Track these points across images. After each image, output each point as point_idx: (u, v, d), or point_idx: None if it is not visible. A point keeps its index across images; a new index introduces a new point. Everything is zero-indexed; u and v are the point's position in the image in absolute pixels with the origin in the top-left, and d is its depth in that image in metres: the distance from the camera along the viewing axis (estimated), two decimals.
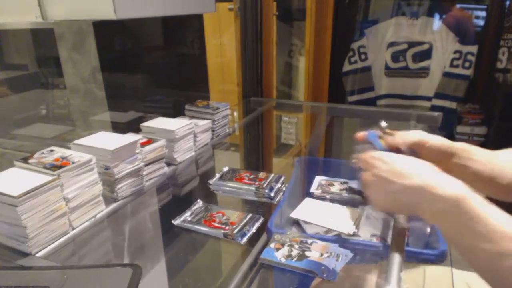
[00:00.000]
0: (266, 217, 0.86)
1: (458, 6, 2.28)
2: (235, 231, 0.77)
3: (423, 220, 0.61)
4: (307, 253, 0.69)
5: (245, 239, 0.76)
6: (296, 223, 0.98)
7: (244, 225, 0.79)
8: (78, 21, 1.08)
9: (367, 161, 0.67)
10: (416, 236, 0.88)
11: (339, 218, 0.83)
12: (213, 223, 0.80)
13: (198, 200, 0.90)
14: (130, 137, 0.89)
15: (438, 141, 0.72)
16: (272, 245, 0.72)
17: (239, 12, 1.66)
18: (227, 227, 0.78)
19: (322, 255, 0.68)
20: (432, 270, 0.75)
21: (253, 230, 0.79)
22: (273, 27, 1.77)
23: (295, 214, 0.87)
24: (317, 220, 0.84)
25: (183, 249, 0.84)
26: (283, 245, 0.71)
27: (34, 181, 0.67)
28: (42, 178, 0.69)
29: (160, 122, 1.07)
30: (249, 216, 0.83)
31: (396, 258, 0.61)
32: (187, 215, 0.85)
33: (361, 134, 0.77)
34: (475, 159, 0.75)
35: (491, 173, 0.74)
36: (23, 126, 1.42)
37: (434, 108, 2.34)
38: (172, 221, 0.83)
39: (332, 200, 0.95)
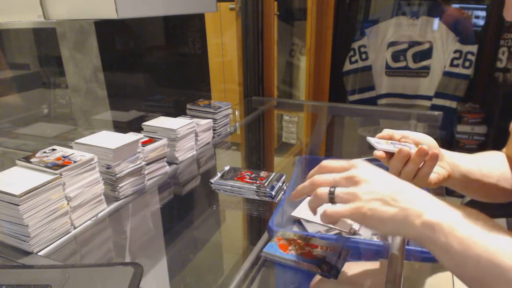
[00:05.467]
0: (267, 216, 0.86)
1: (458, 6, 2.28)
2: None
3: None
4: (309, 250, 0.69)
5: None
6: (298, 221, 0.98)
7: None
8: (80, 21, 1.09)
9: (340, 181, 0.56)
10: None
11: None
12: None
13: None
14: (131, 136, 0.89)
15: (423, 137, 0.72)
16: (274, 240, 0.72)
17: (240, 12, 1.67)
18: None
19: (325, 256, 0.68)
20: (432, 269, 0.76)
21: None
22: (274, 26, 1.77)
23: (296, 212, 0.87)
24: (318, 219, 0.84)
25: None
26: (285, 241, 0.72)
27: (35, 180, 0.67)
28: (43, 177, 0.69)
29: (161, 121, 1.07)
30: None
31: (397, 257, 0.61)
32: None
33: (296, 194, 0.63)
34: (462, 158, 0.75)
35: (480, 172, 0.75)
36: (25, 125, 1.42)
37: (434, 107, 2.35)
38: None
39: None
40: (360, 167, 0.56)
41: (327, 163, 0.60)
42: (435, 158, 0.64)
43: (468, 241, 0.46)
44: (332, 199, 0.55)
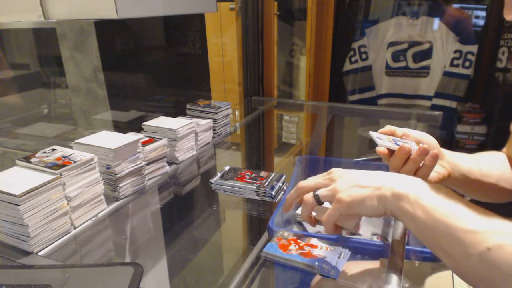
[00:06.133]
0: (267, 216, 0.87)
1: (458, 5, 2.28)
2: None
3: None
4: (309, 250, 0.69)
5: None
6: (298, 221, 0.98)
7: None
8: (80, 21, 1.09)
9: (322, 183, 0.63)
10: None
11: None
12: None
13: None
14: (131, 136, 0.89)
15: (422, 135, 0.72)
16: (274, 240, 0.72)
17: (240, 12, 1.67)
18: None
19: (325, 256, 0.68)
20: (432, 269, 0.76)
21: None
22: (274, 26, 1.77)
23: (300, 211, 0.87)
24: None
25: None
26: (285, 241, 0.72)
27: (35, 180, 0.67)
28: (43, 177, 0.69)
29: (161, 121, 1.07)
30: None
31: (397, 257, 0.61)
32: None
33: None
34: (462, 157, 0.76)
35: (480, 172, 0.75)
36: (25, 125, 1.42)
37: (434, 107, 2.34)
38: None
39: None
40: (334, 170, 0.64)
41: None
42: (435, 158, 0.64)
43: (430, 209, 0.51)
44: (318, 200, 0.61)
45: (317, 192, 0.61)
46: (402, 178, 0.58)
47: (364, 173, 0.61)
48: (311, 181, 0.64)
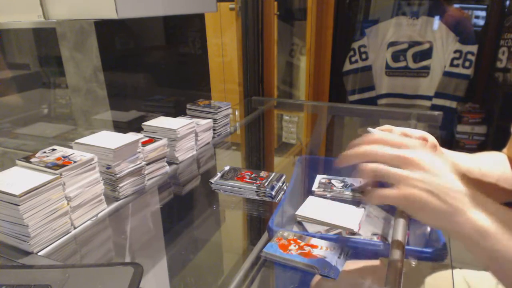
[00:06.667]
0: (267, 216, 0.86)
1: (458, 6, 2.28)
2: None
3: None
4: (309, 250, 0.69)
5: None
6: (298, 221, 0.98)
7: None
8: (80, 21, 1.09)
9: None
10: (416, 234, 0.88)
11: (343, 216, 0.84)
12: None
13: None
14: (131, 136, 0.89)
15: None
16: (274, 240, 0.72)
17: (240, 12, 1.67)
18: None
19: (325, 256, 0.68)
20: (432, 269, 0.76)
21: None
22: (274, 26, 1.77)
23: (300, 212, 0.87)
24: (322, 217, 0.84)
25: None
26: (285, 241, 0.72)
27: (35, 180, 0.67)
28: (43, 177, 0.69)
29: (161, 121, 1.07)
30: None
31: (397, 257, 0.61)
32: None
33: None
34: (462, 157, 0.76)
35: (479, 171, 0.75)
36: (25, 125, 1.42)
37: (434, 107, 2.35)
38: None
39: (333, 199, 0.95)
40: (416, 149, 0.53)
41: (380, 136, 0.57)
42: (433, 147, 0.64)
43: None
44: (380, 177, 0.53)
45: (384, 169, 0.52)
46: (483, 204, 0.49)
47: (445, 177, 0.51)
48: (383, 152, 0.53)
